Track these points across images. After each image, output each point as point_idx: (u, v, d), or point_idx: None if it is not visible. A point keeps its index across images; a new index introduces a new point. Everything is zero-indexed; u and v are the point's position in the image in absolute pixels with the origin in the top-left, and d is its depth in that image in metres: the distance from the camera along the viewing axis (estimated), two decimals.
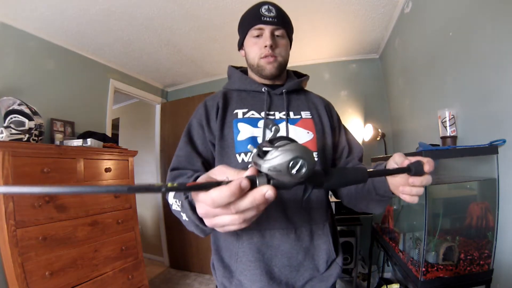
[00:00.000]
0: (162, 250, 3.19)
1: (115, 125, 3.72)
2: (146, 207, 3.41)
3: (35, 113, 1.58)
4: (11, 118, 1.49)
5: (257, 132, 0.67)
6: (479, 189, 1.07)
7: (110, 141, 2.05)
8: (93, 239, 1.66)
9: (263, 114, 0.70)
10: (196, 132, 0.71)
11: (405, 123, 2.01)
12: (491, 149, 0.95)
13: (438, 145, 1.18)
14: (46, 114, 1.82)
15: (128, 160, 2.06)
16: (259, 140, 0.66)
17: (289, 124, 0.70)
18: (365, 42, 2.33)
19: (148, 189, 0.27)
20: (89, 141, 1.76)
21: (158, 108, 3.24)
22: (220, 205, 0.31)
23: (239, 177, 0.30)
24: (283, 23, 0.74)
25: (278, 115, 0.72)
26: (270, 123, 0.55)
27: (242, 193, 0.30)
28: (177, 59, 2.56)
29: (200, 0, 1.68)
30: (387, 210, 1.60)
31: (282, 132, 0.67)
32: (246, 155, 0.65)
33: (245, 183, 0.30)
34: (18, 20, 1.74)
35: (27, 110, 1.54)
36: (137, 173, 2.28)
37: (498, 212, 0.95)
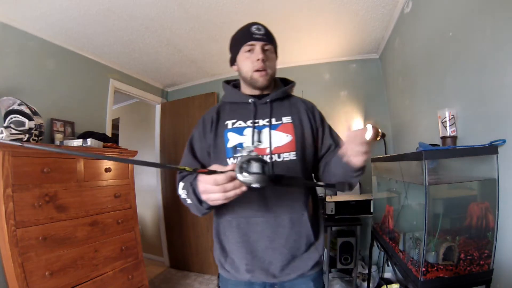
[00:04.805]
0: (162, 250, 3.19)
1: (115, 125, 3.71)
2: (146, 207, 3.41)
3: (35, 113, 1.58)
4: (11, 118, 1.49)
5: (243, 139, 0.81)
6: (479, 189, 1.07)
7: (110, 141, 2.05)
8: (93, 239, 1.66)
9: (248, 122, 0.83)
10: (196, 143, 0.87)
11: (405, 123, 2.01)
12: (491, 149, 0.95)
13: (438, 145, 1.18)
14: (46, 114, 1.82)
15: None
16: (244, 146, 0.80)
17: (271, 130, 0.82)
18: (365, 42, 2.33)
19: (177, 168, 0.54)
20: (89, 141, 1.76)
21: (158, 108, 3.24)
22: (218, 184, 0.54)
23: (229, 171, 0.53)
24: (271, 40, 0.85)
25: (262, 122, 0.83)
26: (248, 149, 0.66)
27: (230, 180, 0.54)
28: (177, 59, 2.55)
29: (200, 0, 1.68)
30: (387, 210, 1.60)
31: (265, 136, 0.82)
32: (234, 159, 0.79)
33: (234, 174, 0.53)
34: (18, 20, 1.74)
35: (27, 110, 1.54)
36: (137, 173, 2.28)
37: (498, 212, 0.95)
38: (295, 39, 2.21)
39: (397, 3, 1.78)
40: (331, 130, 0.92)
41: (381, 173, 1.81)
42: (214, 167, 0.56)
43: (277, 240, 0.76)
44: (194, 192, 0.66)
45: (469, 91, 1.12)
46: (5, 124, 1.48)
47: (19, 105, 1.53)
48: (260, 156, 0.55)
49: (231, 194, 0.55)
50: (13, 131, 1.46)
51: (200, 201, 0.66)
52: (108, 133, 2.41)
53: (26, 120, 1.52)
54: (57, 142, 1.81)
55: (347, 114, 2.56)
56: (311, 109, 0.91)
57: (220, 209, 0.82)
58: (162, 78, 3.04)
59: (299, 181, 0.63)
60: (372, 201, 2.01)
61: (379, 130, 2.29)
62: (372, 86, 2.54)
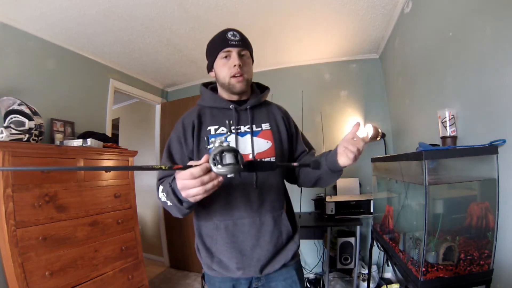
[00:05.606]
0: (162, 250, 3.19)
1: (115, 125, 3.71)
2: (146, 207, 3.41)
3: (35, 113, 1.58)
4: (11, 118, 1.49)
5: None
6: (479, 189, 1.07)
7: (110, 141, 2.05)
8: (93, 239, 1.66)
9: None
10: (174, 147, 0.88)
11: (405, 123, 2.01)
12: (491, 149, 0.95)
13: (438, 145, 1.18)
14: (46, 114, 1.82)
15: (128, 160, 2.06)
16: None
17: (253, 136, 0.86)
18: (365, 42, 2.33)
19: (151, 168, 0.53)
20: (89, 141, 1.76)
21: (158, 108, 3.24)
22: (194, 177, 0.54)
23: (204, 163, 0.55)
24: (246, 45, 0.88)
25: (243, 128, 0.87)
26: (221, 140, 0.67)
27: (206, 171, 0.55)
28: (177, 59, 2.56)
29: (200, 0, 1.68)
30: (387, 210, 1.60)
31: (247, 142, 0.86)
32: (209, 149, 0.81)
33: (208, 166, 0.54)
34: (18, 20, 1.74)
35: (27, 110, 1.54)
36: (137, 173, 2.28)
37: (498, 212, 0.95)
38: (295, 39, 2.21)
39: (397, 3, 1.78)
40: (303, 136, 1.01)
41: (381, 173, 1.81)
42: (189, 163, 0.58)
43: (263, 238, 0.82)
44: (173, 192, 0.66)
45: (469, 91, 1.12)
46: (5, 124, 1.48)
47: (19, 105, 1.53)
48: (231, 146, 0.56)
49: (209, 186, 0.56)
50: (13, 131, 1.46)
51: (180, 201, 0.66)
52: (108, 133, 2.41)
53: (26, 120, 1.52)
54: (57, 142, 1.81)
55: (347, 114, 2.57)
56: (286, 115, 0.98)
57: (204, 213, 0.86)
58: (162, 78, 3.04)
59: (272, 164, 0.66)
60: (372, 201, 2.01)
61: (379, 130, 2.29)
62: (372, 86, 2.54)
